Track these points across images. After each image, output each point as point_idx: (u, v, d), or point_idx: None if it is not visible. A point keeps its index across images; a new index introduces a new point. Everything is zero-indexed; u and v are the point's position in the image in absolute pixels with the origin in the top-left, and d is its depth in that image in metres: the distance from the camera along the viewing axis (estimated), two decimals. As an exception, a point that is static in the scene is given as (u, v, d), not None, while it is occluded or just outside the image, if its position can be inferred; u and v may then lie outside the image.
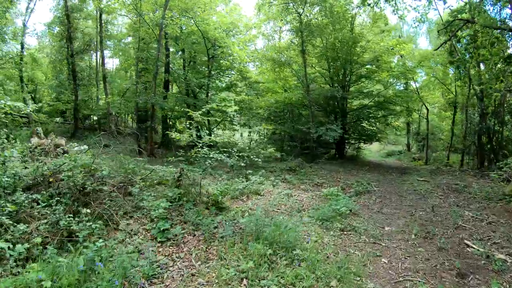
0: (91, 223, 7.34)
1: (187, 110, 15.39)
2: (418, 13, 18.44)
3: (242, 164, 12.77)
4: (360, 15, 25.60)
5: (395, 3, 18.48)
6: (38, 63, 39.07)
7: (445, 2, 18.06)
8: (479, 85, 21.22)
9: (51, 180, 9.22)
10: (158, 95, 23.30)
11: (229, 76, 25.78)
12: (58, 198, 8.24)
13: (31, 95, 38.41)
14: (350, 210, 10.81)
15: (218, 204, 10.49)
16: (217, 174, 16.15)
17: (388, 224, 10.11)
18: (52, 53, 36.37)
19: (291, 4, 23.34)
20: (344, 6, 23.13)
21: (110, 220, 8.29)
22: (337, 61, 24.16)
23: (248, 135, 28.62)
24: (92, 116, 36.05)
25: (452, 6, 17.54)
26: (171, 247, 7.54)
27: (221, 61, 22.86)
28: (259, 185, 14.18)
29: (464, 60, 18.89)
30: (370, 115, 27.37)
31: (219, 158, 11.30)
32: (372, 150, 38.42)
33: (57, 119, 30.16)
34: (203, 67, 25.85)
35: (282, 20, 24.71)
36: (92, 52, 36.16)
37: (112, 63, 46.26)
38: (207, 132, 24.82)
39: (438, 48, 19.05)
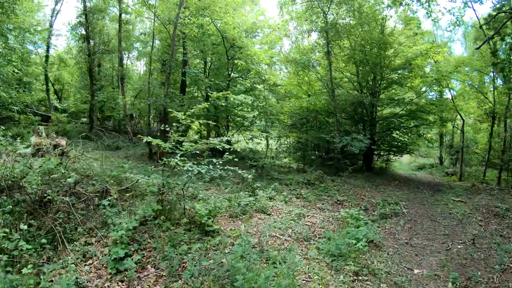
0: (29, 241, 6.25)
1: (170, 110, 13.83)
2: (453, 15, 16.61)
3: (250, 177, 10.93)
4: (391, 17, 23.35)
5: (429, 5, 16.69)
6: (65, 63, 39.41)
7: (482, 3, 16.08)
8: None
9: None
10: (170, 97, 21.74)
11: (249, 79, 23.83)
12: (11, 207, 7.19)
13: (57, 95, 38.10)
14: (372, 241, 8.88)
15: (205, 226, 8.71)
16: (224, 185, 14.67)
17: (418, 263, 8.17)
18: (77, 54, 35.99)
19: (316, 2, 21.49)
20: (374, 6, 21.23)
21: (65, 238, 6.97)
22: (366, 65, 22.13)
23: (266, 143, 26.75)
24: (113, 117, 34.84)
25: (492, 6, 15.43)
26: (120, 283, 5.97)
27: (236, 61, 20.90)
28: (269, 201, 12.58)
29: (510, 62, 16.65)
30: (401, 125, 25.02)
31: (202, 171, 9.29)
32: (402, 163, 35.81)
33: (76, 120, 29.55)
34: (223, 70, 24.12)
35: (306, 20, 22.73)
36: (113, 53, 35.03)
37: (140, 65, 44.90)
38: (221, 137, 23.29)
39: (480, 46, 16.82)
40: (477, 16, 21.45)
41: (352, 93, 23.52)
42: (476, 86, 26.62)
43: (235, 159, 10.16)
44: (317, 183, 16.39)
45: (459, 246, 9.26)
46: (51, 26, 32.69)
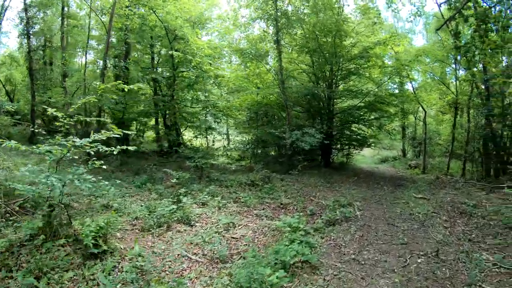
0: None
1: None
2: (414, 6, 15.33)
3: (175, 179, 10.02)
4: (348, 6, 21.54)
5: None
6: (17, 63, 35.68)
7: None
8: (487, 81, 17.30)
9: None
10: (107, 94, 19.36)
11: (191, 71, 21.33)
12: None
13: (8, 96, 35.04)
14: (306, 262, 6.71)
15: (90, 247, 6.52)
16: (154, 190, 12.89)
17: (364, 291, 6.00)
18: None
19: (265, -12, 19.35)
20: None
21: None
22: (321, 55, 20.12)
23: (212, 141, 24.53)
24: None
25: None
26: None
27: (172, 53, 18.46)
28: (200, 207, 10.92)
29: (474, 45, 14.73)
30: (361, 118, 23.27)
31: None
32: (366, 156, 34.25)
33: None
34: (169, 63, 21.73)
35: (256, 8, 20.43)
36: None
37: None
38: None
39: (440, 27, 15.12)
40: (438, 5, 19.84)
41: (304, 85, 21.41)
42: (437, 78, 25.14)
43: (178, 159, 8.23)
44: (261, 184, 14.32)
45: (419, 260, 7.18)
46: (-1, 23, 29.69)
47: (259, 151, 22.36)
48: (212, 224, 9.46)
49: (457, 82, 23.07)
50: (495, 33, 13.42)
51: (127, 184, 14.04)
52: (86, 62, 22.13)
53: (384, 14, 51.88)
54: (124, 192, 12.52)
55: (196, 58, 18.34)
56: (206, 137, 23.28)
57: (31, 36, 27.11)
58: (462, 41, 15.71)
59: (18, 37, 29.50)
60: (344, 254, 7.58)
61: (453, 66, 23.14)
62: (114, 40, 22.87)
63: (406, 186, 16.30)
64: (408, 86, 28.49)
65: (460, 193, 14.15)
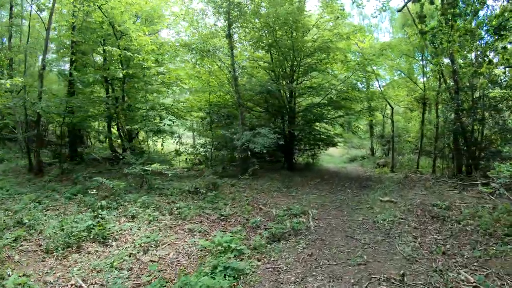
0: None
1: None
2: (379, 1, 13.78)
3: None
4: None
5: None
6: None
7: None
8: (455, 73, 15.82)
9: None
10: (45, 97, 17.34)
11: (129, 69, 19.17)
12: None
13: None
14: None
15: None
16: (83, 201, 11.29)
17: None
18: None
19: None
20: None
21: None
22: (277, 49, 18.25)
23: (161, 144, 22.59)
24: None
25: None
26: None
27: (109, 49, 16.35)
28: (127, 222, 9.45)
29: (441, 31, 12.99)
30: (324, 116, 21.43)
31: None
32: (334, 155, 32.85)
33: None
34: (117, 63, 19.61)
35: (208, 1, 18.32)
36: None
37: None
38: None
39: (404, 6, 13.37)
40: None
41: (259, 82, 19.38)
42: (404, 75, 23.87)
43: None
44: (205, 192, 12.36)
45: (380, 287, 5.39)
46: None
47: (215, 155, 20.26)
48: (133, 242, 7.86)
49: (425, 77, 22.11)
50: (463, 17, 11.84)
51: (59, 195, 12.31)
52: (26, 63, 19.80)
53: (350, 12, 50.64)
54: (48, 205, 11.04)
55: (138, 55, 16.25)
56: (155, 141, 21.18)
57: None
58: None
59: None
60: (282, 283, 5.69)
61: (421, 62, 22.02)
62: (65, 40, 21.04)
63: (372, 188, 14.55)
64: (375, 85, 27.47)
65: (431, 193, 12.53)
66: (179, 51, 19.77)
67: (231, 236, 7.18)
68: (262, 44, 18.49)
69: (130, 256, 7.09)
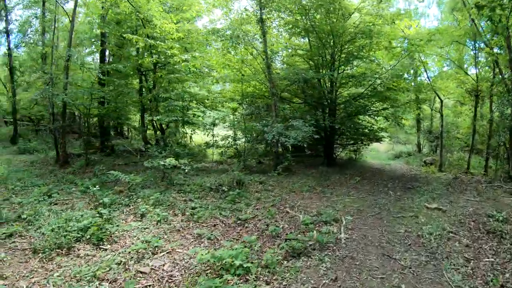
0: None
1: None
2: None
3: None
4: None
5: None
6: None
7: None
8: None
9: None
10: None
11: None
12: None
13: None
14: None
15: None
16: (98, 196, 10.42)
17: None
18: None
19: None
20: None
21: None
22: (315, 35, 16.71)
23: (190, 137, 21.76)
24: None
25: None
26: None
27: (130, 37, 15.50)
28: (133, 221, 8.65)
29: (500, 4, 11.08)
30: (367, 108, 19.66)
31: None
32: (380, 150, 30.87)
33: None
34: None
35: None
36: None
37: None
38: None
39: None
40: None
41: (295, 70, 17.54)
42: (453, 67, 21.62)
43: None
44: (227, 189, 11.23)
45: None
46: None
47: (248, 148, 18.87)
48: (130, 247, 6.99)
49: (477, 68, 19.70)
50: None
51: (75, 188, 11.97)
52: (52, 56, 19.40)
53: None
54: (57, 199, 10.61)
55: (162, 43, 15.25)
56: (184, 133, 20.36)
57: (10, 34, 25.37)
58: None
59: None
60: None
61: (471, 53, 19.75)
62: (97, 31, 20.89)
63: (418, 190, 12.84)
64: (423, 77, 24.97)
65: (485, 199, 10.81)
66: (209, 39, 18.50)
67: (239, 248, 5.98)
68: (298, 30, 17.06)
69: (119, 264, 6.18)
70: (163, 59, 16.98)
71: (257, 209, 9.85)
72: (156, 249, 6.96)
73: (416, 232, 7.89)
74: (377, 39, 16.64)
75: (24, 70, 29.43)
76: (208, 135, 19.18)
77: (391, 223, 8.68)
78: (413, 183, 14.44)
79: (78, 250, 6.86)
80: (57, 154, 17.18)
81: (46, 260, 6.42)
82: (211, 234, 7.77)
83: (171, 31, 15.34)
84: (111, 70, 18.12)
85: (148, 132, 21.73)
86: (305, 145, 21.80)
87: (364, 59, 18.43)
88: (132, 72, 19.99)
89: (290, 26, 17.23)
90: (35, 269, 6.07)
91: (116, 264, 6.18)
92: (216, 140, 19.15)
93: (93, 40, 23.28)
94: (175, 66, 16.39)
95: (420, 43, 16.77)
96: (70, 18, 16.91)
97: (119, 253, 6.73)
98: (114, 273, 5.89)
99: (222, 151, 20.67)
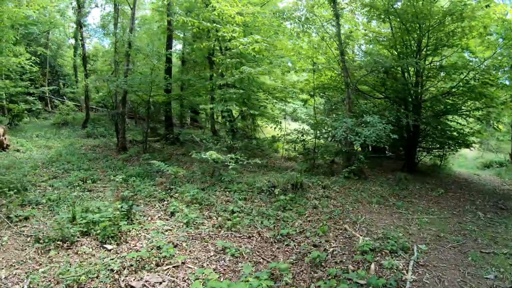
0: None
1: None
2: None
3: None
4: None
5: None
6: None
7: None
8: None
9: None
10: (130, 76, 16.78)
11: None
12: None
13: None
14: None
15: None
16: (138, 186, 10.33)
17: None
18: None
19: None
20: None
21: None
22: (397, 17, 14.17)
23: (253, 129, 20.51)
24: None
25: None
26: None
27: (182, 19, 14.45)
28: (160, 220, 7.78)
29: None
30: (457, 107, 16.35)
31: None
32: (467, 157, 26.98)
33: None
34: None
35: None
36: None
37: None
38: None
39: None
40: None
41: (374, 58, 15.09)
42: None
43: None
44: (281, 192, 9.64)
45: None
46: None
47: (320, 145, 16.65)
48: (138, 251, 6.03)
49: None
50: None
51: (124, 175, 11.37)
52: (115, 45, 19.31)
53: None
54: (91, 186, 10.42)
55: (220, 26, 13.90)
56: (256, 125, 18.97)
57: (83, 26, 27.28)
58: None
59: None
60: None
61: None
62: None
63: (512, 211, 10.33)
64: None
65: None
66: (276, 23, 16.67)
67: (261, 280, 4.34)
68: (377, 12, 14.66)
69: (109, 272, 5.32)
70: (226, 44, 15.57)
71: (309, 221, 8.13)
72: (164, 259, 5.85)
73: (511, 279, 5.67)
74: (469, 23, 13.76)
75: (96, 59, 31.09)
76: (275, 128, 17.53)
77: (477, 261, 6.39)
78: (506, 202, 11.67)
79: (81, 245, 6.29)
80: (118, 140, 17.13)
81: (41, 252, 6.01)
82: (238, 250, 6.33)
83: (231, 14, 13.82)
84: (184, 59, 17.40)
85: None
86: (386, 146, 19.57)
87: (455, 48, 15.45)
88: (202, 61, 19.18)
89: (368, 8, 14.88)
90: (25, 260, 5.70)
91: (108, 270, 5.36)
92: (283, 135, 17.43)
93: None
94: (233, 50, 14.85)
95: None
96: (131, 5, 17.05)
97: (121, 257, 5.87)
98: (100, 281, 5.08)
99: (294, 146, 18.84)
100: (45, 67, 29.86)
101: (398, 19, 14.14)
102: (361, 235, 7.24)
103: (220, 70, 16.34)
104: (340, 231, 7.62)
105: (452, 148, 17.81)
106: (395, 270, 5.70)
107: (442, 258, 6.51)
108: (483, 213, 9.96)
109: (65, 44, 34.60)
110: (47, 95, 30.16)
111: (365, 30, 17.06)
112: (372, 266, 5.72)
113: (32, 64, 22.29)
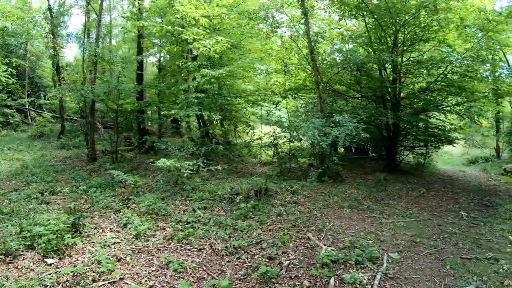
0: None
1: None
2: None
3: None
4: None
5: None
6: None
7: None
8: None
9: None
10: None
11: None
12: None
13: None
14: None
15: None
16: (97, 196, 9.89)
17: None
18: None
19: None
20: None
21: None
22: (370, 13, 13.55)
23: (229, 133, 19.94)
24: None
25: None
26: None
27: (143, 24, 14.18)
28: (111, 232, 7.25)
29: None
30: (437, 102, 15.61)
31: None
32: (453, 154, 26.49)
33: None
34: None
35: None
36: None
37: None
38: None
39: None
40: None
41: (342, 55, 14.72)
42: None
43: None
44: (242, 199, 8.99)
45: None
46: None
47: (294, 148, 15.93)
48: (83, 262, 5.71)
49: None
50: None
51: (85, 186, 11.09)
52: (83, 55, 18.85)
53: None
54: (50, 198, 9.93)
55: (185, 30, 13.08)
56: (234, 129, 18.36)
57: (57, 36, 26.34)
58: None
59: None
60: None
61: None
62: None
63: (498, 209, 9.47)
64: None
65: None
66: (250, 25, 15.93)
67: None
68: (348, 8, 13.93)
69: None
70: (189, 47, 14.84)
71: (269, 230, 7.27)
72: (100, 275, 5.33)
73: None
74: (445, 15, 13.03)
75: (71, 70, 29.97)
76: (247, 133, 16.82)
77: (457, 269, 5.48)
78: (492, 199, 10.87)
79: (23, 259, 5.87)
80: (88, 150, 16.64)
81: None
82: (183, 264, 5.67)
83: (195, 17, 13.06)
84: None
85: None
86: (369, 147, 19.32)
87: (433, 42, 14.70)
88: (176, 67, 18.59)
89: (339, 4, 14.12)
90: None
91: (42, 286, 4.96)
92: (255, 139, 16.72)
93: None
94: (194, 53, 14.25)
95: (500, 18, 13.07)
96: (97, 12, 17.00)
97: (59, 272, 5.38)
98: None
99: (274, 151, 18.09)
100: (24, 79, 29.01)
101: (371, 15, 13.43)
102: (325, 245, 6.34)
103: (182, 75, 15.54)
104: (303, 240, 6.72)
105: (434, 145, 17.23)
106: (357, 285, 4.80)
107: (416, 267, 5.61)
108: (466, 212, 9.09)
109: (44, 56, 33.62)
110: (26, 107, 29.19)
111: (339, 28, 16.41)
112: (332, 281, 4.84)
113: (9, 76, 21.52)
